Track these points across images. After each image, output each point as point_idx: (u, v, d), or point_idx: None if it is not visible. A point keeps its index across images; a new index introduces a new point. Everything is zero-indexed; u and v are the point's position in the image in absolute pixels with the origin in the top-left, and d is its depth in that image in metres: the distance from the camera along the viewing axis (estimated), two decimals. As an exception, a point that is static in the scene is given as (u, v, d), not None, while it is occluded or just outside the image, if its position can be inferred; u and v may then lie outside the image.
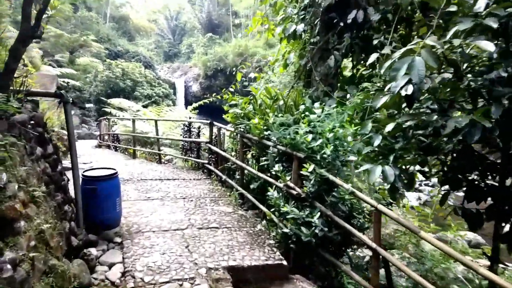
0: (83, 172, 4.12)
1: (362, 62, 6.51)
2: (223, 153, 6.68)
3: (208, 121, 7.40)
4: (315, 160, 4.14)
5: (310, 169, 3.98)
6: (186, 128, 8.40)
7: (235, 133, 6.56)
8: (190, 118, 9.12)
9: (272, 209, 4.61)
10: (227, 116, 6.14)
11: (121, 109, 18.93)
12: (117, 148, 11.89)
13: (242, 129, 5.85)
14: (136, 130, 11.63)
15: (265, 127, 4.99)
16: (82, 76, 25.39)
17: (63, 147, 6.90)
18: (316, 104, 5.23)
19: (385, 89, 3.08)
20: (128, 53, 34.85)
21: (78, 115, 25.67)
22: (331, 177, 3.89)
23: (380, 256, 3.35)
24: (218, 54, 34.47)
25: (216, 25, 45.36)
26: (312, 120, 4.64)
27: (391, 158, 3.20)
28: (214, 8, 45.20)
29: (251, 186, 5.46)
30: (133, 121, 10.55)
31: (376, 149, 3.42)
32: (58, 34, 28.27)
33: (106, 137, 12.85)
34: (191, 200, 5.62)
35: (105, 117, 12.81)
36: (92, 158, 9.43)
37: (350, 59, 6.73)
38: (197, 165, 8.31)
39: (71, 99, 3.66)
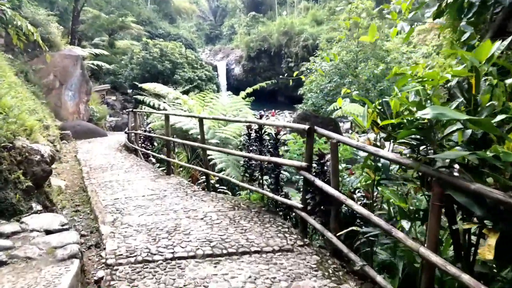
0: None
1: None
2: (359, 208, 2.89)
3: (305, 127, 3.65)
4: None
5: None
6: (255, 135, 4.66)
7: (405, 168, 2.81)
8: (261, 116, 5.34)
9: None
10: (400, 132, 2.36)
11: (158, 95, 15.74)
12: (148, 156, 8.44)
13: (444, 165, 2.09)
14: (173, 125, 8.20)
15: None
16: (117, 59, 22.77)
17: (27, 181, 3.56)
18: None
19: None
20: (170, 35, 32.66)
21: (120, 101, 23.25)
22: None
23: None
24: (262, 34, 31.42)
25: (259, 3, 41.77)
26: None
27: None
28: (258, -16, 41.36)
29: None
30: (167, 118, 6.89)
31: None
32: (95, 15, 26.19)
33: (133, 137, 9.43)
34: None
35: (131, 109, 9.50)
36: (94, 185, 5.80)
37: None
38: (274, 203, 4.61)
39: None
